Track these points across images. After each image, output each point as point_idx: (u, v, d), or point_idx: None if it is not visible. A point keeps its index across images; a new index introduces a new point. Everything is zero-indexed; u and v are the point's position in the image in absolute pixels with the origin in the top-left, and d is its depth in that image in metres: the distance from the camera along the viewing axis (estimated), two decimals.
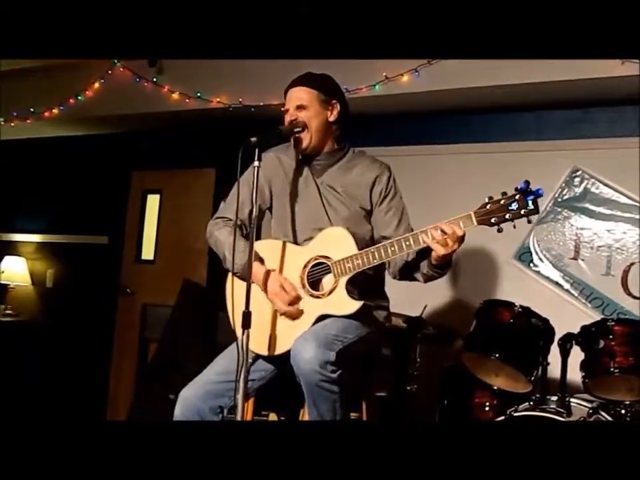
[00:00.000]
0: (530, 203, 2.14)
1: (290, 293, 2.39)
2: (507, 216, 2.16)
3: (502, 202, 2.17)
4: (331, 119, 2.53)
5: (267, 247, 2.52)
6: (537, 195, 2.15)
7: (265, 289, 2.44)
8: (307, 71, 2.58)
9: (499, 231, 2.19)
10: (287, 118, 2.52)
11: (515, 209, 2.15)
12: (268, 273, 2.44)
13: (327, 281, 2.41)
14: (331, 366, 2.20)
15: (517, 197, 2.16)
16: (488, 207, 2.19)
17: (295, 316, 2.40)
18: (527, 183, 2.16)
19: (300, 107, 2.49)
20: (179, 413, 2.41)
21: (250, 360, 2.27)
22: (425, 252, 2.33)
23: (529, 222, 2.20)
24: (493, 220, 2.18)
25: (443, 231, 2.20)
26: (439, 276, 2.41)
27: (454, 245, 2.21)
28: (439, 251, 2.22)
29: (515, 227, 2.19)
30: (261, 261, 2.47)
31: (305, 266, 2.43)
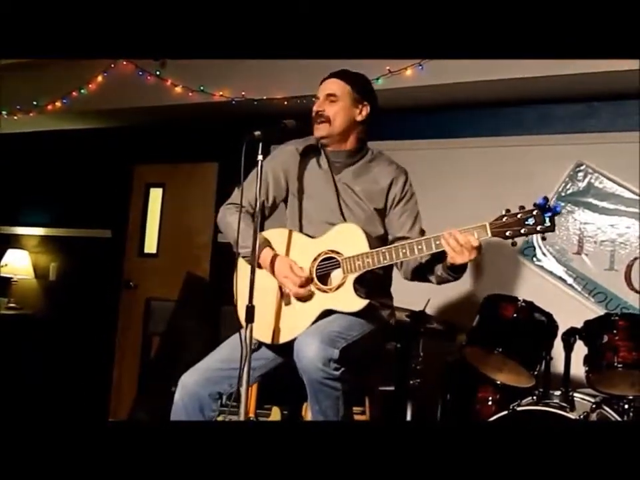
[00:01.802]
0: (547, 219, 2.11)
1: (300, 274, 2.38)
2: (523, 230, 2.13)
3: (519, 216, 2.13)
4: (359, 118, 2.51)
5: (277, 236, 2.51)
6: (555, 212, 2.11)
7: (272, 272, 2.43)
8: (344, 68, 2.57)
9: (513, 244, 2.16)
10: (315, 107, 2.51)
11: (532, 224, 2.12)
12: (275, 256, 2.43)
13: (335, 276, 2.40)
14: (334, 363, 2.20)
15: (534, 212, 2.12)
16: (504, 219, 2.15)
17: (305, 298, 2.39)
18: (546, 199, 2.12)
19: (331, 97, 2.48)
20: (178, 398, 2.43)
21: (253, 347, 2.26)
22: (440, 255, 2.30)
23: (544, 239, 2.18)
24: (507, 233, 2.14)
25: (456, 240, 2.17)
26: (453, 280, 2.38)
27: (470, 254, 2.17)
28: (454, 258, 2.20)
29: (529, 241, 2.17)
30: (270, 247, 2.47)
31: (315, 259, 2.43)
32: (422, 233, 2.51)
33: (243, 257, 2.41)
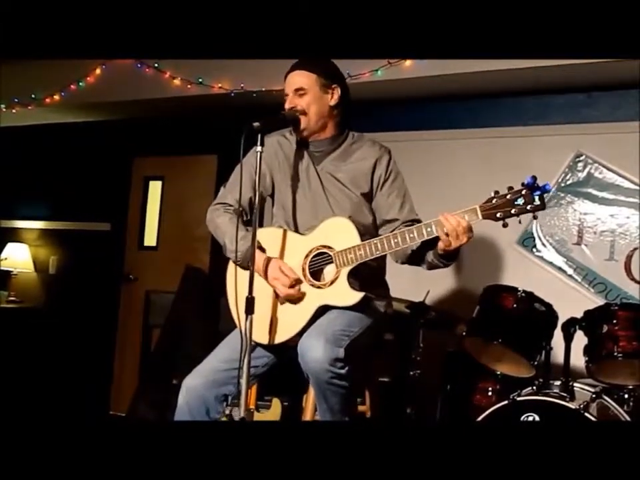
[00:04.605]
0: (536, 198, 2.11)
1: (290, 275, 2.36)
2: (513, 211, 2.13)
3: (508, 197, 2.13)
4: (332, 103, 2.49)
5: (268, 235, 2.49)
6: (544, 190, 2.11)
7: (265, 276, 2.42)
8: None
9: (504, 225, 2.16)
10: (287, 104, 2.48)
11: (521, 204, 2.12)
12: (268, 260, 2.42)
13: (329, 271, 2.39)
14: (339, 362, 2.20)
15: (523, 192, 2.12)
16: (494, 201, 2.15)
17: (296, 299, 2.38)
18: (534, 178, 2.12)
19: (299, 91, 2.45)
20: (183, 402, 2.40)
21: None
22: (431, 241, 2.29)
23: (535, 218, 2.17)
24: (498, 215, 2.14)
25: (448, 222, 2.17)
26: (444, 266, 2.38)
27: (461, 238, 2.18)
28: (448, 244, 2.20)
29: (520, 221, 2.17)
30: (262, 249, 2.45)
31: (307, 255, 2.41)
32: (413, 211, 2.50)
33: (236, 262, 2.37)
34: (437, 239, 2.24)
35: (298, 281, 2.39)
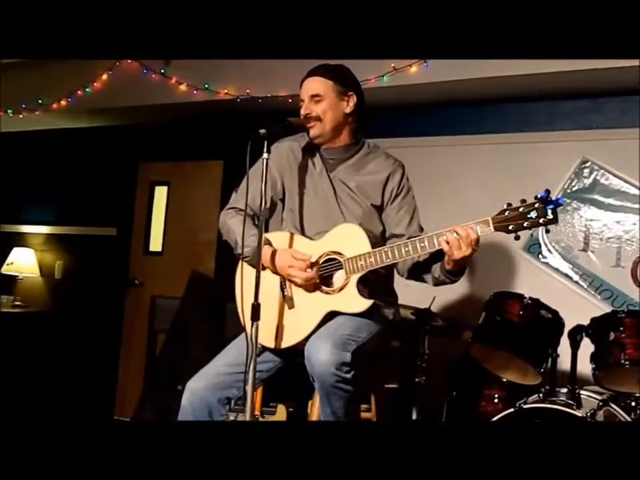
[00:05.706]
0: (549, 212, 2.10)
1: (304, 259, 2.36)
2: (525, 224, 2.13)
3: (521, 210, 2.13)
4: (347, 110, 2.49)
5: (278, 239, 2.49)
6: (557, 204, 2.10)
7: (274, 268, 2.42)
8: (324, 62, 2.54)
9: (516, 238, 2.15)
10: (302, 110, 2.48)
11: (534, 217, 2.11)
12: (275, 251, 2.41)
13: (338, 278, 2.39)
14: (346, 367, 2.20)
15: (536, 205, 2.12)
16: (506, 213, 2.15)
17: (313, 283, 2.37)
18: (548, 192, 2.11)
19: (315, 97, 2.45)
20: (186, 403, 2.40)
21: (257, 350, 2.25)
22: (438, 255, 2.29)
23: (547, 231, 2.17)
24: (510, 227, 2.14)
25: (456, 232, 2.17)
26: (450, 282, 2.36)
27: (468, 249, 2.17)
28: (452, 254, 2.19)
29: (532, 235, 2.17)
30: (270, 245, 2.45)
31: (317, 261, 2.41)
32: (420, 229, 2.50)
33: (245, 258, 2.38)
34: (442, 254, 2.24)
35: (313, 264, 2.38)
